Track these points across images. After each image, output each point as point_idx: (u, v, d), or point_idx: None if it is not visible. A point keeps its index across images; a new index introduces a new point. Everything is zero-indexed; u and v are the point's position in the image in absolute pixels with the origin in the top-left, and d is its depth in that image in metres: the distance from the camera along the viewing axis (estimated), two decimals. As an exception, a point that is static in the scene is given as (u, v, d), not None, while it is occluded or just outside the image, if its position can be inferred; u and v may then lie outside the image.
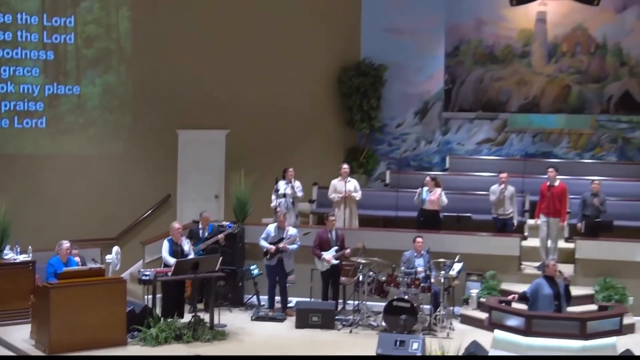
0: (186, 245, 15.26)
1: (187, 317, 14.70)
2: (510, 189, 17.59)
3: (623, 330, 14.90)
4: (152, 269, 14.84)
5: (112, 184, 18.75)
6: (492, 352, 13.24)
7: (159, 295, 14.79)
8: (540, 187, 17.45)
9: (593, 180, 18.16)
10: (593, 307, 15.83)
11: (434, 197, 17.59)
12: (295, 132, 20.87)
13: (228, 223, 16.92)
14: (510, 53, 22.38)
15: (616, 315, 15.09)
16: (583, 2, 6.07)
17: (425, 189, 17.66)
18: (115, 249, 16.13)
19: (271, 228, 16.27)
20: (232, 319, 15.71)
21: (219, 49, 19.82)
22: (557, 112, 22.29)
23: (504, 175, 17.66)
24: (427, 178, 17.97)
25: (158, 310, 14.61)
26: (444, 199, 17.67)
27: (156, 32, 19.11)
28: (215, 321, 14.84)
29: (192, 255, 15.14)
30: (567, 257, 17.09)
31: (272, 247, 15.95)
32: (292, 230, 16.29)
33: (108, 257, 15.89)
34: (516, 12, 21.77)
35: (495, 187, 17.62)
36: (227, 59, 19.95)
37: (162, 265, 15.08)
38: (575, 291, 15.41)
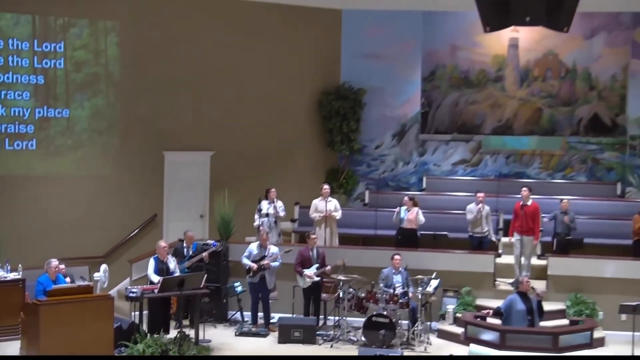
0: (172, 263, 15.26)
1: (173, 333, 14.69)
2: (486, 208, 17.70)
3: (594, 343, 15.06)
4: (139, 287, 14.82)
5: (100, 204, 18.71)
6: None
7: (145, 312, 14.76)
8: (514, 206, 17.54)
9: (562, 199, 18.30)
10: (565, 321, 15.92)
11: (411, 216, 17.67)
12: (277, 153, 20.92)
13: (212, 242, 16.92)
14: (484, 77, 22.53)
15: (587, 330, 15.27)
16: (553, 29, 6.19)
17: (404, 208, 17.74)
18: (103, 267, 16.11)
19: (253, 246, 16.29)
20: (216, 334, 15.69)
21: (204, 75, 19.86)
22: (530, 134, 22.42)
23: (481, 195, 17.77)
24: (406, 198, 18.06)
25: (145, 327, 14.58)
26: (422, 218, 17.75)
27: (143, 57, 19.15)
28: (200, 337, 14.82)
29: (177, 273, 15.14)
30: (540, 273, 17.19)
31: (254, 265, 15.96)
32: (273, 249, 16.32)
33: (96, 275, 15.87)
34: (490, 39, 21.89)
35: (472, 206, 17.71)
36: (212, 84, 20.00)
37: (148, 283, 15.08)
38: (547, 306, 15.53)
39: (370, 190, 21.86)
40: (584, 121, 22.28)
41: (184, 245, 16.54)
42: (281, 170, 20.63)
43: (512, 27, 6.39)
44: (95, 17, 18.80)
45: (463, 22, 21.87)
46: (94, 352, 13.38)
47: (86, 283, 14.60)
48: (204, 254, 16.19)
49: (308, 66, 21.54)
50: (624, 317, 15.53)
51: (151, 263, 15.11)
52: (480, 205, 17.60)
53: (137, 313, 14.57)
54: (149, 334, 14.17)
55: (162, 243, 15.48)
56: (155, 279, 14.76)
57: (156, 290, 14.34)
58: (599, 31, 21.98)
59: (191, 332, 14.68)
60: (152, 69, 19.24)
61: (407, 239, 17.71)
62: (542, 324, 15.03)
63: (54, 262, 14.62)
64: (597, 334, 15.51)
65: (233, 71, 20.28)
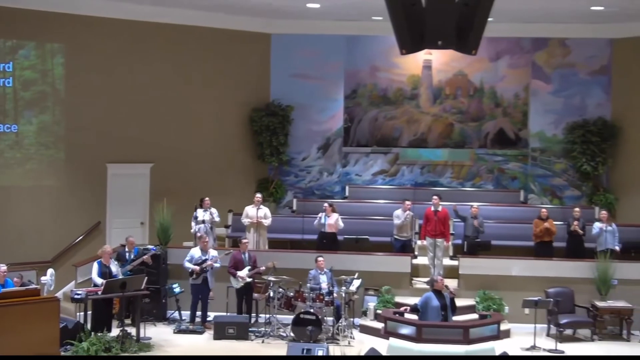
0: (114, 266, 15.19)
1: (116, 332, 14.52)
2: (411, 214, 17.81)
3: (500, 335, 15.24)
4: (84, 289, 14.68)
5: (47, 213, 18.42)
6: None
7: (89, 312, 14.56)
8: (425, 211, 17.69)
9: (472, 205, 18.50)
10: (474, 316, 16.07)
11: (332, 221, 17.75)
12: (212, 165, 20.81)
13: (152, 247, 16.80)
14: (401, 95, 22.67)
15: (494, 323, 15.44)
16: (462, 52, 6.24)
17: (324, 214, 17.82)
18: (50, 271, 15.84)
19: (194, 251, 16.21)
20: (156, 332, 15.56)
21: (143, 91, 19.71)
22: (442, 147, 22.63)
23: (408, 203, 17.89)
24: (326, 204, 18.14)
25: (89, 326, 14.36)
26: (341, 223, 17.85)
27: (87, 77, 18.93)
28: (141, 335, 14.71)
29: (119, 276, 15.07)
30: (452, 272, 17.34)
31: (197, 268, 15.89)
32: (213, 252, 16.32)
33: (43, 279, 15.59)
34: (406, 60, 22.06)
35: (399, 212, 17.78)
36: (151, 101, 19.86)
37: (92, 285, 14.90)
38: (459, 302, 15.66)
39: (298, 199, 21.86)
40: (490, 135, 22.56)
41: (126, 250, 16.37)
42: (216, 180, 20.52)
43: (426, 50, 6.42)
44: (42, 40, 18.55)
45: (382, 45, 21.99)
46: (41, 351, 13.12)
47: (34, 286, 14.32)
48: (146, 257, 16.05)
49: (240, 85, 21.47)
50: (527, 311, 15.76)
51: (95, 267, 15.02)
52: (407, 211, 17.71)
53: (82, 313, 14.41)
54: (92, 333, 13.98)
55: (107, 248, 15.37)
56: (99, 281, 14.74)
57: (100, 292, 14.19)
58: (503, 54, 22.30)
59: (132, 331, 14.57)
60: (95, 88, 19.04)
61: (329, 242, 17.78)
62: (455, 318, 15.16)
63: (2, 267, 14.31)
64: (504, 326, 15.71)
65: (171, 89, 20.15)
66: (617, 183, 21.62)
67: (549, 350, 14.96)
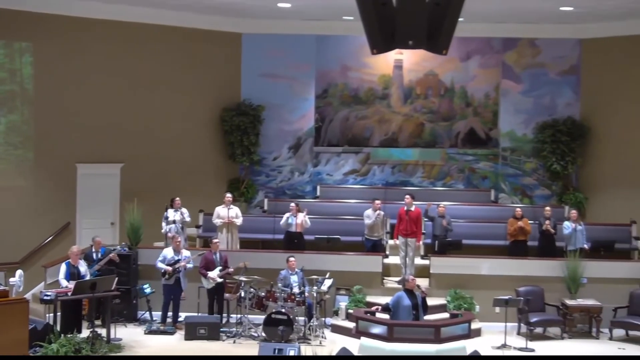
0: (82, 267, 15.14)
1: (86, 333, 14.44)
2: (381, 213, 17.85)
3: (471, 334, 15.32)
4: (53, 290, 14.58)
5: (16, 213, 18.26)
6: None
7: (59, 314, 14.47)
8: (398, 211, 17.75)
9: (439, 204, 18.59)
10: (445, 315, 16.16)
11: (299, 220, 17.79)
12: (183, 165, 20.76)
13: (120, 247, 16.76)
14: (372, 95, 22.73)
15: (465, 322, 15.52)
16: (433, 52, 6.26)
17: (291, 214, 17.84)
18: (19, 272, 15.69)
19: (167, 252, 16.19)
20: (127, 333, 15.48)
21: (114, 92, 19.63)
22: (413, 147, 22.72)
23: (378, 202, 17.94)
24: (292, 204, 18.18)
25: (58, 327, 14.27)
26: (308, 222, 17.86)
27: (56, 76, 18.81)
28: (112, 336, 14.64)
29: (87, 276, 14.99)
30: (423, 272, 17.41)
31: (170, 268, 15.85)
32: (186, 252, 16.31)
33: (12, 280, 15.44)
34: (377, 60, 22.12)
35: (370, 212, 17.83)
36: (121, 100, 19.78)
37: (60, 286, 14.82)
38: (430, 302, 15.74)
39: (269, 199, 21.87)
40: (461, 134, 22.68)
41: (93, 250, 16.28)
42: (186, 180, 20.48)
43: (396, 50, 6.45)
44: (10, 39, 18.39)
45: (353, 45, 22.04)
46: (9, 352, 12.97)
47: (2, 287, 14.19)
48: (112, 254, 15.98)
49: (211, 84, 21.44)
50: (497, 309, 15.84)
51: (62, 268, 15.00)
52: (377, 211, 17.76)
53: (52, 315, 14.31)
54: (62, 335, 13.90)
55: (74, 249, 15.31)
56: (64, 283, 14.76)
57: (70, 293, 14.11)
58: (474, 54, 22.42)
59: (103, 332, 14.49)
60: (64, 87, 18.93)
61: (297, 241, 17.84)
62: (426, 317, 15.23)
63: (-28, 268, 14.24)
64: (474, 325, 15.80)
65: (141, 89, 20.10)
66: (586, 182, 21.80)
67: (520, 349, 15.07)
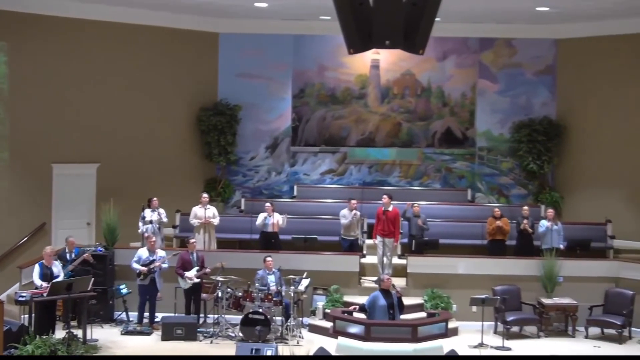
0: (56, 267, 15.03)
1: (61, 334, 14.36)
2: (358, 213, 17.88)
3: (448, 333, 15.39)
4: (29, 291, 14.48)
5: (-10, 214, 18.17)
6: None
7: (33, 315, 14.40)
8: (376, 211, 17.77)
9: (413, 204, 18.65)
10: (423, 314, 16.21)
11: (274, 220, 17.79)
12: (159, 165, 20.70)
13: (95, 247, 16.70)
14: (349, 95, 22.76)
15: (442, 321, 15.59)
16: (410, 52, 6.29)
17: (266, 214, 17.84)
18: (-6, 273, 15.65)
19: (142, 252, 16.14)
20: (103, 334, 15.43)
21: (90, 92, 19.53)
22: (390, 146, 22.76)
23: (354, 201, 17.97)
24: (267, 204, 18.19)
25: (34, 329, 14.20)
26: (282, 222, 17.87)
27: (31, 75, 18.68)
28: (88, 336, 14.58)
29: (61, 277, 14.87)
30: (400, 271, 17.46)
31: (145, 269, 15.82)
32: (161, 253, 16.27)
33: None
34: (354, 60, 22.15)
35: (346, 212, 17.86)
36: (97, 100, 19.67)
37: (34, 287, 14.73)
38: (407, 301, 15.79)
39: (246, 198, 21.85)
40: (438, 134, 22.75)
41: (66, 250, 16.18)
42: (163, 180, 20.42)
43: (373, 50, 6.48)
44: (-16, 37, 18.29)
45: (330, 45, 22.07)
46: (-16, 354, 12.97)
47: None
48: (86, 255, 15.91)
49: (187, 84, 21.40)
50: (474, 308, 15.94)
51: (36, 269, 14.88)
52: (353, 211, 17.79)
53: (27, 316, 14.22)
54: (37, 336, 13.82)
55: (48, 249, 15.20)
56: (39, 283, 14.63)
57: (45, 294, 14.04)
58: (450, 54, 22.50)
59: (79, 333, 14.42)
60: (39, 86, 18.79)
61: (273, 241, 17.84)
62: (403, 317, 15.27)
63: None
64: (452, 324, 15.87)
65: (117, 88, 20.01)
66: (562, 181, 21.94)
67: (496, 348, 15.15)
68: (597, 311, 16.32)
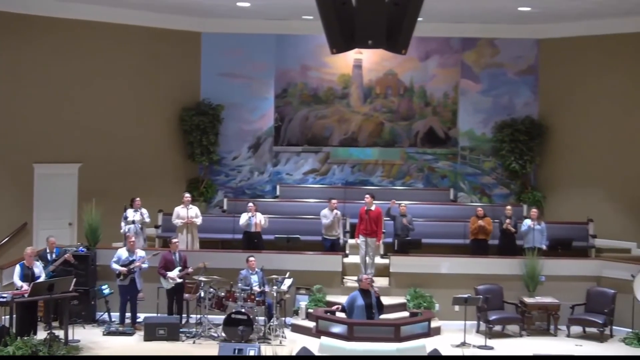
0: (37, 268, 14.92)
1: (43, 335, 14.29)
2: (338, 213, 17.88)
3: (431, 332, 15.42)
4: (9, 292, 14.40)
5: (-30, 214, 18.09)
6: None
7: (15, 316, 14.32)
8: (359, 211, 17.79)
9: (400, 203, 18.68)
10: (405, 313, 16.25)
11: (257, 220, 17.77)
12: (142, 164, 20.67)
13: (76, 247, 16.62)
14: (331, 95, 22.77)
15: (425, 320, 15.61)
16: (392, 52, 6.31)
17: (250, 214, 17.82)
18: (-25, 274, 15.56)
19: (121, 252, 16.09)
20: (85, 334, 15.35)
21: (73, 91, 19.49)
22: (373, 146, 22.79)
23: (334, 201, 17.98)
24: (250, 204, 18.16)
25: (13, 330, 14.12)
26: (265, 222, 17.86)
27: (12, 73, 18.62)
28: (70, 337, 14.50)
29: (42, 277, 14.78)
30: (383, 271, 17.49)
31: (124, 269, 15.76)
32: (141, 253, 16.20)
33: (-33, 282, 15.32)
34: (336, 60, 22.16)
35: (326, 212, 17.87)
36: (80, 100, 19.63)
37: (15, 288, 14.65)
38: (389, 300, 15.85)
39: (228, 198, 21.84)
40: (420, 134, 22.79)
41: (47, 250, 16.10)
42: (145, 180, 20.40)
43: (356, 50, 6.49)
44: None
45: (312, 45, 22.08)
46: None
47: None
48: (67, 255, 15.84)
49: (170, 84, 21.37)
50: (457, 308, 15.99)
51: (17, 269, 14.80)
52: (334, 210, 17.80)
53: (7, 317, 14.14)
54: (18, 337, 13.74)
55: (29, 250, 15.10)
56: (19, 284, 14.54)
57: (26, 295, 13.96)
58: (433, 54, 22.55)
59: (60, 333, 14.36)
60: (21, 87, 18.73)
61: (256, 241, 17.82)
62: (386, 316, 15.29)
63: None
64: (434, 323, 15.90)
65: (99, 88, 19.97)
66: (544, 181, 22.04)
67: (479, 347, 15.19)
68: (578, 310, 16.40)
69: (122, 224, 17.52)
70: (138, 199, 17.79)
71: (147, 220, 17.90)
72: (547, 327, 16.51)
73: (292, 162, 22.77)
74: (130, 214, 17.55)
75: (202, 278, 15.54)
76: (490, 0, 18.62)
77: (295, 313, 16.53)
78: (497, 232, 18.30)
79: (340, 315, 15.32)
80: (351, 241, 18.60)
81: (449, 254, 18.09)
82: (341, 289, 17.11)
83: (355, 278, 17.12)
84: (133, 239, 16.49)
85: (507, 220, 18.08)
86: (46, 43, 19.09)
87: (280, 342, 14.95)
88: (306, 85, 22.71)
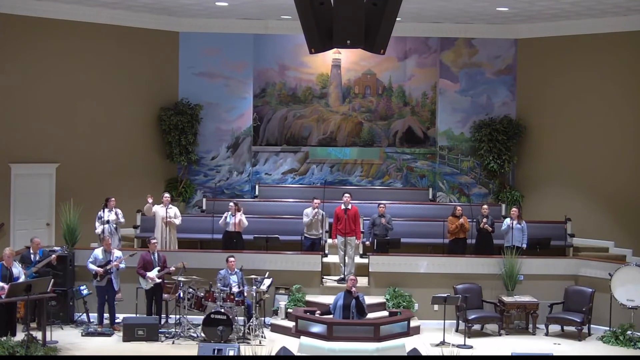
0: (16, 269, 14.82)
1: (21, 336, 14.24)
2: (320, 212, 17.91)
3: (410, 332, 15.46)
4: (-13, 293, 14.33)
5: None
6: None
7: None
8: (335, 210, 17.82)
9: (379, 203, 18.73)
10: (385, 313, 16.27)
11: (237, 220, 17.76)
12: (120, 165, 20.63)
13: (58, 248, 16.54)
14: (310, 94, 22.82)
15: (404, 320, 15.65)
16: (371, 51, 6.37)
17: (229, 213, 17.82)
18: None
19: (98, 252, 16.03)
20: (63, 335, 15.31)
21: (48, 90, 19.39)
22: (351, 145, 22.86)
23: (317, 200, 17.98)
24: (231, 204, 18.13)
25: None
26: (245, 222, 17.86)
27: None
28: (48, 338, 14.46)
29: (22, 278, 14.70)
30: (362, 270, 17.51)
31: (101, 270, 15.71)
32: (117, 253, 16.13)
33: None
34: (315, 59, 22.21)
35: (309, 211, 17.87)
36: (57, 99, 19.55)
37: (-6, 289, 14.62)
38: (369, 300, 15.87)
39: (207, 198, 21.80)
40: (399, 134, 22.90)
41: (31, 251, 16.04)
42: (124, 180, 20.37)
43: (334, 49, 6.53)
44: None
45: (291, 44, 22.13)
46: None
47: None
48: (52, 256, 15.78)
49: (148, 83, 21.33)
50: (436, 307, 16.07)
51: (-6, 270, 14.68)
52: (316, 210, 17.82)
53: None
54: (-4, 338, 13.71)
55: (7, 250, 15.01)
56: (-1, 285, 14.42)
57: (3, 296, 13.90)
58: (411, 53, 22.66)
59: (38, 335, 14.30)
60: (-3, 86, 18.68)
61: (235, 241, 17.80)
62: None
63: None
64: (413, 323, 15.94)
65: (75, 88, 19.89)
66: (522, 180, 22.17)
67: (458, 346, 15.24)
68: (557, 309, 16.50)
69: (97, 223, 17.45)
70: (113, 198, 17.73)
71: (122, 220, 17.83)
72: (526, 325, 16.61)
73: (271, 162, 22.81)
74: (106, 213, 17.49)
75: (181, 278, 15.54)
76: (468, 0, 18.70)
77: (275, 313, 16.55)
78: (474, 231, 18.36)
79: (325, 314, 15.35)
80: (330, 241, 18.61)
81: (428, 254, 18.15)
82: (320, 288, 17.13)
83: (335, 278, 17.23)
84: (110, 240, 16.43)
85: (484, 220, 18.15)
86: (21, 42, 19.00)
87: (260, 342, 14.95)
88: (285, 85, 22.76)
